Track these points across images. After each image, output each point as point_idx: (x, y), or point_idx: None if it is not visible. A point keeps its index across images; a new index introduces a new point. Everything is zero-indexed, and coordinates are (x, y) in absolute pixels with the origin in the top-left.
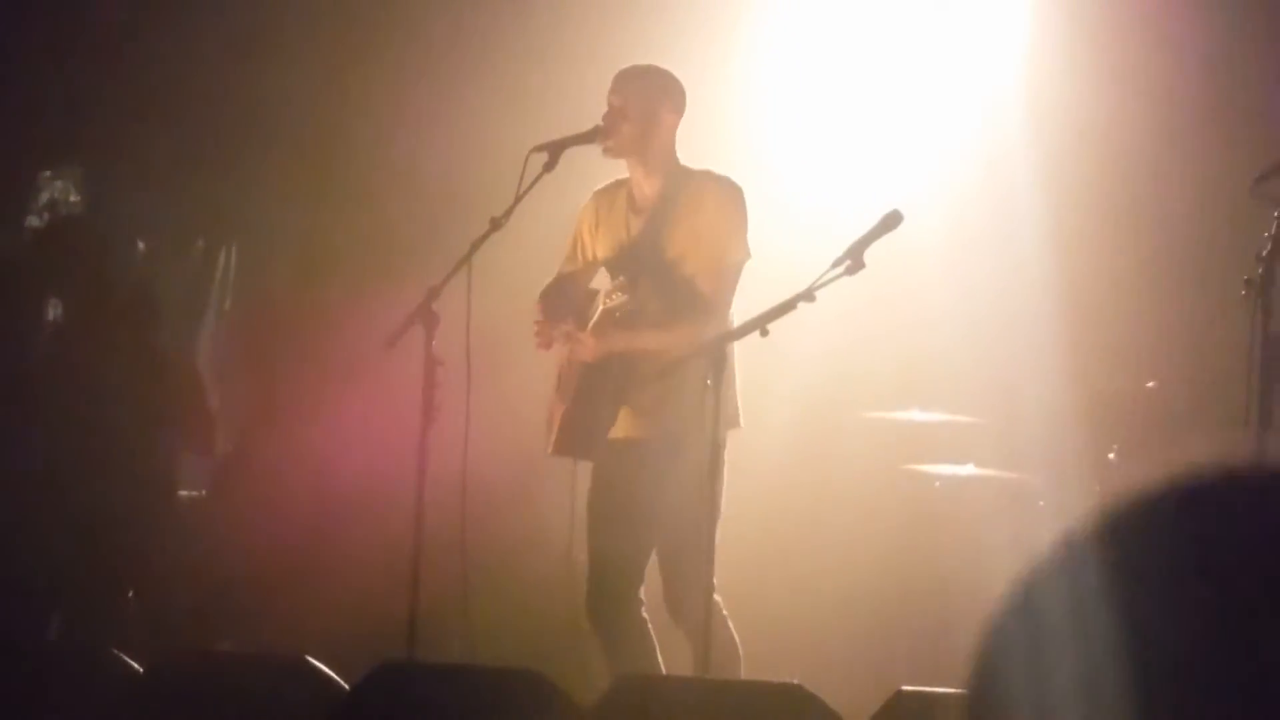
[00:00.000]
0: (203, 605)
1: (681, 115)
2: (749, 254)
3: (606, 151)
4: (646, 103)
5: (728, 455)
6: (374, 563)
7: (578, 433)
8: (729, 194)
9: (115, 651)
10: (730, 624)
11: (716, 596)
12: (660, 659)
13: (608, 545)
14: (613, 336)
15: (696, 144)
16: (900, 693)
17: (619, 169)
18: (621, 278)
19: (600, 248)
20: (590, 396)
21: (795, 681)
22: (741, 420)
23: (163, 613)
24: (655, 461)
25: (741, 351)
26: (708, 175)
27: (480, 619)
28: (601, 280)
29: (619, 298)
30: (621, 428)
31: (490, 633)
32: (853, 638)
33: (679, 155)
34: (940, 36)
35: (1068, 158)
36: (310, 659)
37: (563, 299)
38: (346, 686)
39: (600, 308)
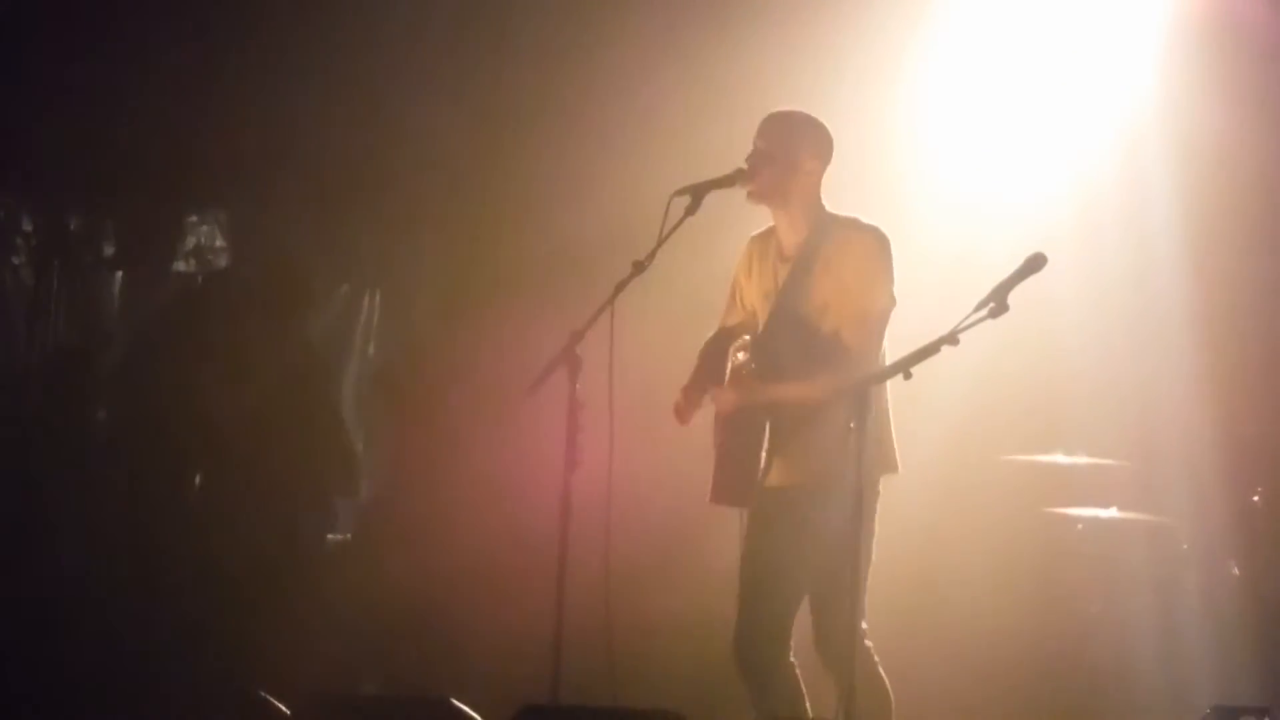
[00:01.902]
0: (348, 648)
1: (827, 163)
2: (894, 302)
3: (750, 196)
4: (790, 147)
5: (881, 499)
6: (518, 605)
7: (731, 481)
8: (874, 243)
9: (263, 694)
10: (881, 669)
11: (867, 642)
12: (808, 706)
13: (758, 595)
14: (749, 389)
15: (834, 191)
16: None
17: (762, 216)
18: (747, 337)
19: (754, 295)
20: (738, 445)
21: None
22: (900, 464)
23: (310, 655)
24: (805, 508)
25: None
26: (853, 224)
27: (623, 661)
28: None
29: (743, 356)
30: (774, 476)
31: (634, 676)
32: (996, 679)
33: (827, 203)
34: (1075, 76)
35: (1208, 193)
36: (454, 701)
37: (720, 359)
38: None
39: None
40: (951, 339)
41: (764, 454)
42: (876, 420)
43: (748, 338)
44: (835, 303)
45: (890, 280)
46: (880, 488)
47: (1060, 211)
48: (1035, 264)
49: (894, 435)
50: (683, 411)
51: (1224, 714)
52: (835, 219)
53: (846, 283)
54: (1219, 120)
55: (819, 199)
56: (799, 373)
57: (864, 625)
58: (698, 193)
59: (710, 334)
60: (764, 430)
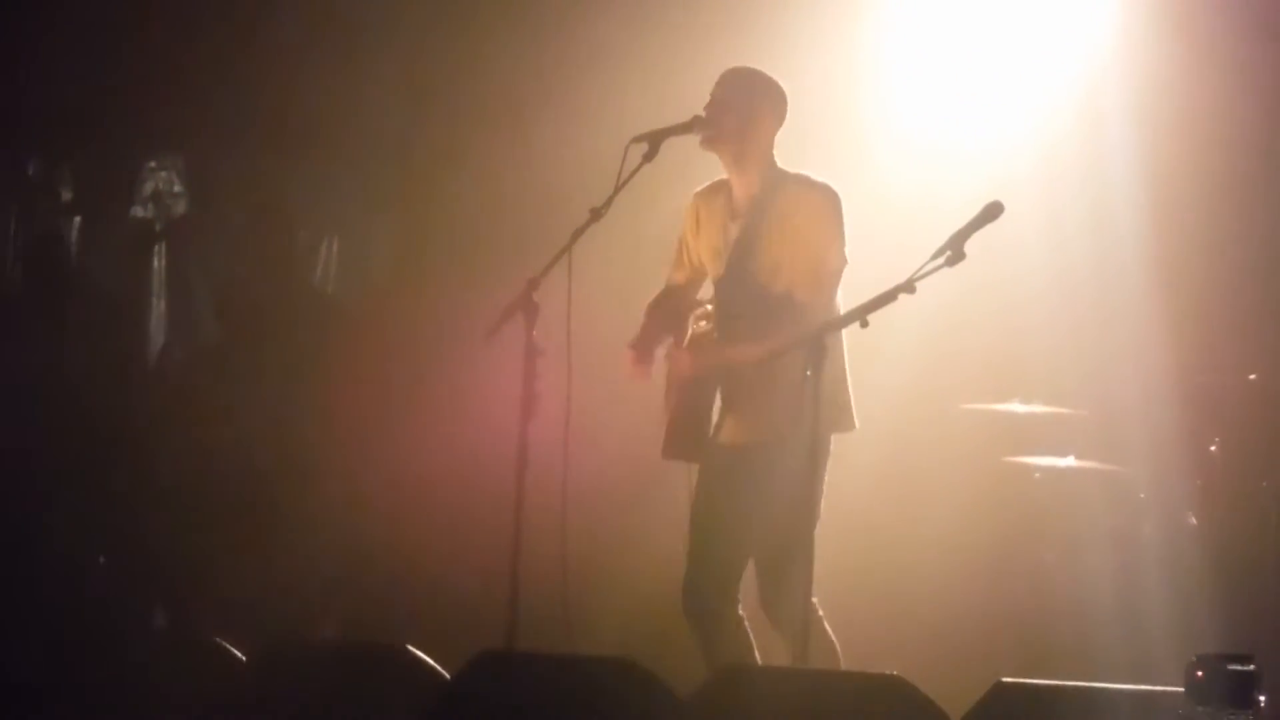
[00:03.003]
0: (304, 595)
1: (781, 122)
2: (845, 261)
3: (704, 142)
4: (749, 99)
5: (835, 453)
6: (474, 553)
7: (684, 437)
8: (825, 200)
9: (219, 640)
10: (828, 626)
11: (814, 599)
12: (758, 658)
13: (707, 546)
14: (708, 352)
15: (795, 138)
16: (1000, 684)
17: (715, 163)
18: (709, 306)
19: (702, 252)
20: (693, 403)
21: (894, 673)
22: (857, 422)
23: (265, 602)
24: (758, 465)
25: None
26: (803, 180)
27: (579, 609)
28: (709, 290)
29: (705, 325)
30: (726, 432)
31: (589, 623)
32: (952, 629)
33: (780, 160)
34: (1035, 24)
35: (1167, 146)
36: (411, 648)
37: (667, 317)
38: (446, 675)
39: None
40: (908, 287)
41: (716, 410)
42: (833, 377)
43: (709, 307)
44: (787, 262)
45: (841, 237)
46: (832, 446)
47: (1019, 159)
48: (992, 212)
49: (850, 391)
50: (640, 371)
51: (1209, 662)
52: (786, 175)
53: (797, 241)
54: (1178, 67)
55: (771, 156)
56: (752, 333)
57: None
58: (655, 139)
59: (658, 292)
60: (715, 387)
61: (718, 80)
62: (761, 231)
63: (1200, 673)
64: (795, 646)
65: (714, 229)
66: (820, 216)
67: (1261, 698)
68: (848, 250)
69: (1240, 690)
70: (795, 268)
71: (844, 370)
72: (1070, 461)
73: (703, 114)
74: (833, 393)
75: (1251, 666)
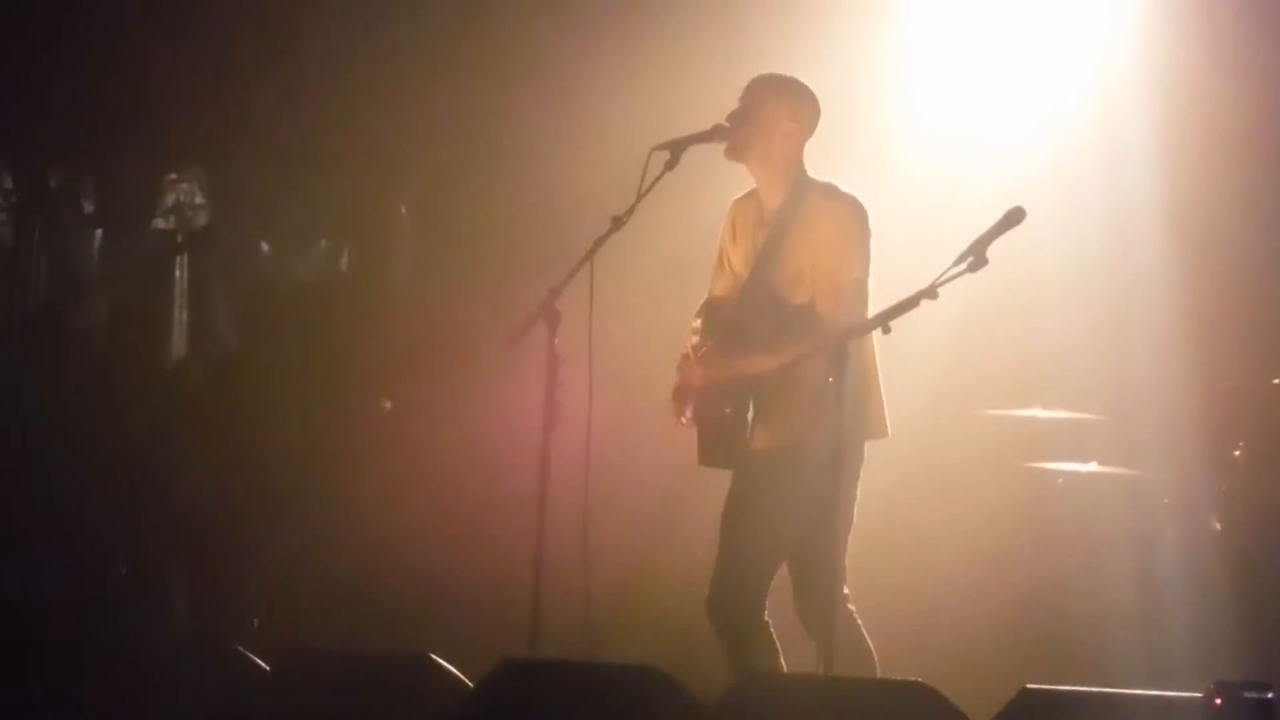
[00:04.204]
0: (328, 604)
1: (809, 128)
2: (867, 273)
3: (726, 153)
4: (771, 109)
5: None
6: (496, 560)
7: (717, 444)
8: (847, 211)
9: (241, 649)
10: (864, 630)
11: (850, 607)
12: (784, 663)
13: (735, 552)
14: (717, 363)
15: (816, 140)
16: (1025, 690)
17: (743, 173)
18: (699, 320)
19: (736, 259)
20: (721, 410)
21: (919, 679)
22: (889, 429)
23: (290, 612)
24: (788, 471)
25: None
26: (828, 191)
27: (601, 616)
28: None
29: (696, 339)
30: (758, 439)
31: (611, 630)
32: (976, 635)
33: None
34: (1054, 26)
35: (1187, 149)
36: (433, 656)
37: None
38: (469, 683)
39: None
40: (930, 293)
41: (750, 417)
42: (864, 382)
43: (699, 321)
44: (808, 272)
45: (861, 250)
46: (865, 452)
47: (1038, 162)
48: (1015, 218)
49: (883, 398)
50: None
51: (1227, 689)
52: (813, 184)
53: (817, 252)
54: (1198, 71)
55: (799, 163)
56: (767, 343)
57: (845, 590)
58: (677, 148)
59: (700, 303)
60: (748, 395)
61: (744, 89)
62: (785, 240)
63: (1219, 700)
64: (821, 652)
65: (746, 237)
66: (840, 227)
67: None
68: (871, 266)
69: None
70: (816, 278)
71: (876, 377)
72: (1093, 467)
73: (725, 123)
74: (863, 399)
75: (1270, 694)
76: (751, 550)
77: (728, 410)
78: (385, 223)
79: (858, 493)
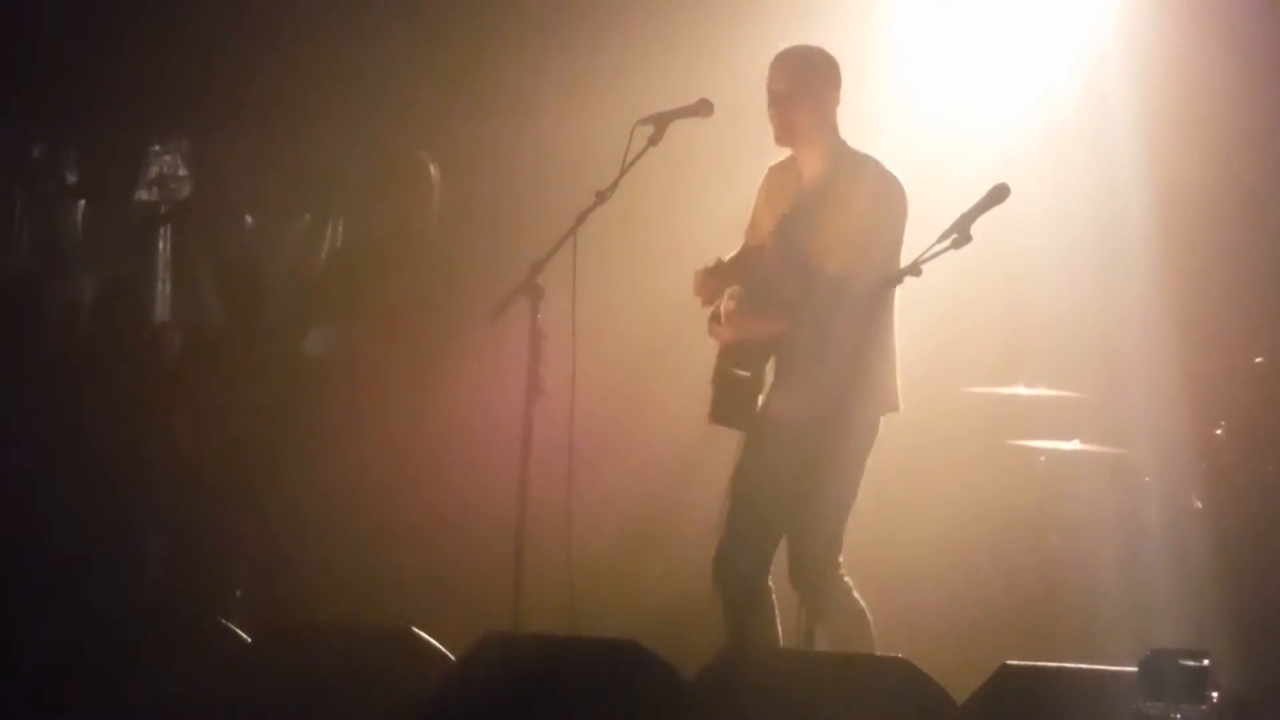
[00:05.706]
0: (309, 576)
1: (838, 91)
2: (898, 256)
3: (778, 140)
4: (813, 83)
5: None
6: (478, 535)
7: (730, 404)
8: (889, 189)
9: (223, 621)
10: (858, 595)
11: (847, 578)
12: (780, 632)
13: (748, 513)
14: (741, 323)
15: None
16: (1005, 667)
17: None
18: (736, 287)
19: (770, 225)
20: (740, 371)
21: (899, 655)
22: (901, 404)
23: (271, 584)
24: (804, 441)
25: None
26: (869, 164)
27: (583, 591)
28: None
29: (729, 304)
30: (776, 405)
31: (593, 605)
32: (957, 612)
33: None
34: (1041, 6)
35: (1173, 127)
36: (415, 629)
37: (739, 268)
38: (451, 657)
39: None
40: (914, 270)
41: (768, 382)
42: (883, 359)
43: (737, 288)
44: (839, 244)
45: (896, 230)
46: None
47: (1023, 140)
48: (998, 195)
49: (898, 374)
50: (703, 295)
51: (1163, 657)
52: (854, 156)
53: (853, 223)
54: (1183, 47)
55: (836, 130)
56: (787, 308)
57: (840, 559)
58: (661, 122)
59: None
60: (767, 359)
61: (772, 71)
62: (821, 211)
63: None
64: (811, 618)
65: (783, 204)
66: (878, 204)
67: (1214, 693)
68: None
69: (1193, 685)
70: (846, 251)
71: (894, 353)
72: (1075, 445)
73: (708, 99)
74: (880, 375)
75: (1205, 662)
76: (761, 513)
77: (747, 373)
78: (368, 197)
79: (866, 464)
